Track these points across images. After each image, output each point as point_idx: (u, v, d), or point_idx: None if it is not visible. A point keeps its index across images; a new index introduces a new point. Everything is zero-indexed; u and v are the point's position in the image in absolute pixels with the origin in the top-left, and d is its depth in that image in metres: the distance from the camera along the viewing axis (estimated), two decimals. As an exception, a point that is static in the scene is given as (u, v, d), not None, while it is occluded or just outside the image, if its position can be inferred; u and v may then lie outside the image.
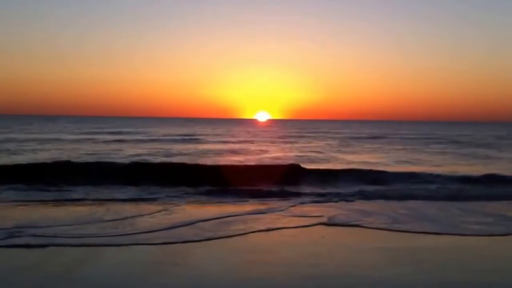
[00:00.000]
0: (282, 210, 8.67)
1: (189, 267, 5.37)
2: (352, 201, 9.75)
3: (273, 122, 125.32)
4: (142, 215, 7.97)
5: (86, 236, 6.51)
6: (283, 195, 10.33)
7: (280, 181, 11.75)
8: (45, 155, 18.58)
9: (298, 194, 10.42)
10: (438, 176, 13.44)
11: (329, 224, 7.66)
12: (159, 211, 8.38)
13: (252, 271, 5.22)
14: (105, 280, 4.88)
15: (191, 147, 24.89)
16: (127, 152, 20.18)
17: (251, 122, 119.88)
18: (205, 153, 21.45)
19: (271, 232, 7.05)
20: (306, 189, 11.25)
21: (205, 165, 14.47)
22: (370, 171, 13.99)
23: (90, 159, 15.97)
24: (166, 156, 19.09)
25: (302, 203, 9.47)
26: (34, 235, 6.42)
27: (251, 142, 31.60)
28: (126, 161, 15.23)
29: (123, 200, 9.53)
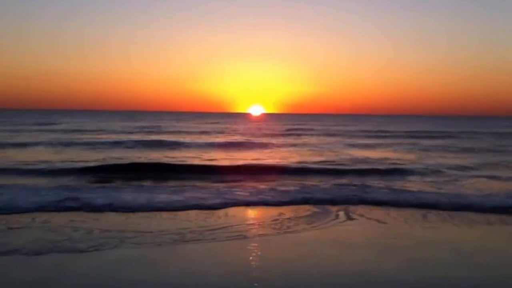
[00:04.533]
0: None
1: (184, 267, 5.49)
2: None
3: (268, 116, 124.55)
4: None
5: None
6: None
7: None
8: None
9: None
10: None
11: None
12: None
13: (252, 272, 5.29)
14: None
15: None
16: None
17: (246, 116, 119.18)
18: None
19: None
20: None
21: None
22: None
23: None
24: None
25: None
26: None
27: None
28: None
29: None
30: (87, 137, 26.92)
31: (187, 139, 27.01)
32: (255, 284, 4.90)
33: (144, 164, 14.61)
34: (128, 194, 9.80)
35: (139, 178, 12.14)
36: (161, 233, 6.90)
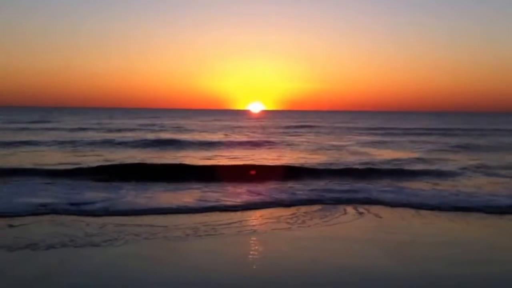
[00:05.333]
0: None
1: (183, 262, 5.70)
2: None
3: (269, 113, 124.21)
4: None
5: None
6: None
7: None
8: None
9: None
10: None
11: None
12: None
13: (250, 266, 5.51)
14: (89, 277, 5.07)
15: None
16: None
17: (246, 113, 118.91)
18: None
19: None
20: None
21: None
22: None
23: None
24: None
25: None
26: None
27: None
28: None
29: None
30: (99, 135, 26.84)
31: (193, 137, 26.80)
32: (255, 277, 5.14)
33: (153, 165, 14.36)
34: (144, 194, 9.88)
35: (151, 178, 12.00)
36: (176, 228, 7.12)
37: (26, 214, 7.91)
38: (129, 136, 26.93)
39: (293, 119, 68.09)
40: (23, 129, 32.20)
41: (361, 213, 8.53)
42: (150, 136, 27.04)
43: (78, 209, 8.33)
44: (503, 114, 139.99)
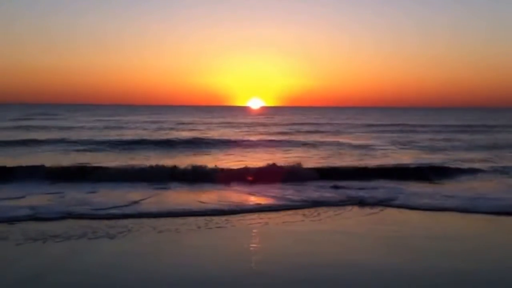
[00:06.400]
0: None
1: (182, 255, 5.90)
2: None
3: (270, 110, 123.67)
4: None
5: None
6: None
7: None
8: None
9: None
10: None
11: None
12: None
13: (248, 260, 5.67)
14: (98, 270, 5.24)
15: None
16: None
17: (247, 110, 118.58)
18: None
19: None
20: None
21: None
22: None
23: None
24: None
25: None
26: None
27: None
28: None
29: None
30: (110, 134, 26.07)
31: (203, 135, 26.04)
32: (254, 268, 5.36)
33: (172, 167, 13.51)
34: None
35: (168, 180, 11.76)
36: (191, 223, 7.42)
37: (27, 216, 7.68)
38: (132, 134, 26.30)
39: (298, 116, 67.71)
40: (23, 126, 31.31)
41: (371, 213, 8.71)
42: (155, 135, 26.30)
43: (92, 212, 8.11)
44: (506, 109, 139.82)
